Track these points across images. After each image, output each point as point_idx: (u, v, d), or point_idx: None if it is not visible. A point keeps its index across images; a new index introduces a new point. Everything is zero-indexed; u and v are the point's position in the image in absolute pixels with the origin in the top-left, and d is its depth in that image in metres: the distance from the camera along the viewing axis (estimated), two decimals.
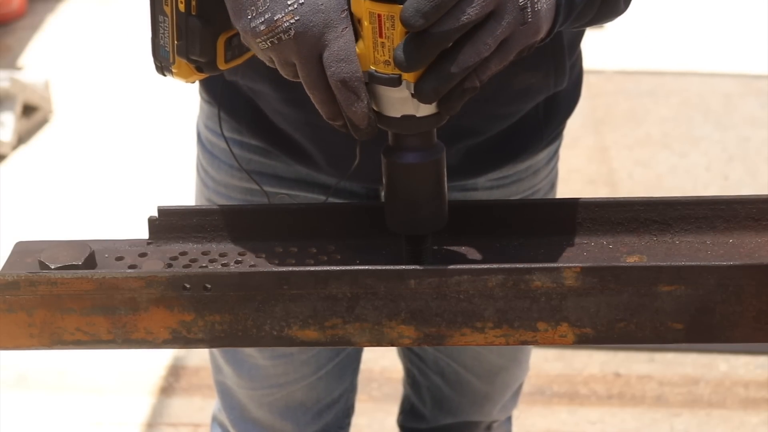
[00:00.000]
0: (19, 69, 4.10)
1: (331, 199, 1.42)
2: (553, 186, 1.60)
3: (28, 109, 3.73)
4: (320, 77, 1.00)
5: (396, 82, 0.99)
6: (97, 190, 3.44)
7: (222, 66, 1.10)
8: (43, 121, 3.82)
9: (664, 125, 3.77)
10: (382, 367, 2.70)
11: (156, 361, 2.76)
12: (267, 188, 1.45)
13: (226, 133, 1.43)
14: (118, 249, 1.15)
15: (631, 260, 1.12)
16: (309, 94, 1.02)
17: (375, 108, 1.02)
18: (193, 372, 2.72)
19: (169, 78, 1.12)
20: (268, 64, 1.04)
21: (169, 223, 1.16)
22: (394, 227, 1.09)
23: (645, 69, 4.11)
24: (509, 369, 1.79)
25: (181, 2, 1.06)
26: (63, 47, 4.34)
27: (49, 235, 1.33)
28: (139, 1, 4.53)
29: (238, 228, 1.16)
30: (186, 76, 1.10)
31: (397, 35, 0.97)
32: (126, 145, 3.69)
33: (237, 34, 1.08)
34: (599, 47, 4.08)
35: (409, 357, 1.84)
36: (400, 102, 1.01)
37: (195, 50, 1.08)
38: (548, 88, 1.37)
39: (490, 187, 1.48)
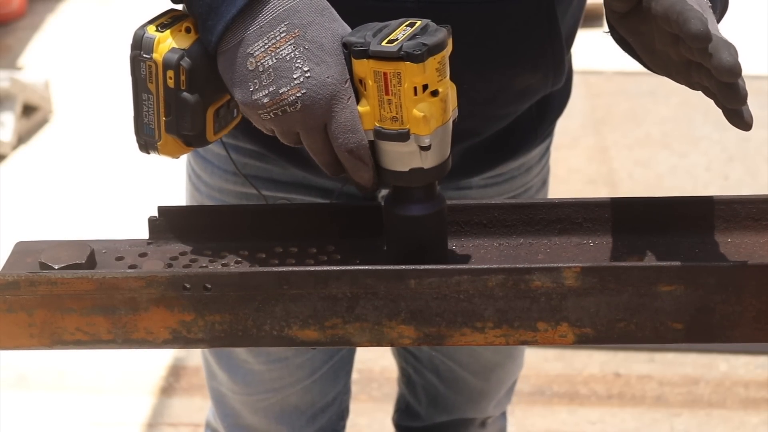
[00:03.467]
0: (19, 69, 4.10)
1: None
2: (545, 183, 1.61)
3: (28, 109, 3.73)
4: (326, 144, 1.04)
5: (405, 137, 1.01)
6: (97, 190, 3.43)
7: (211, 138, 1.10)
8: (43, 121, 3.82)
9: (664, 125, 3.76)
10: (382, 367, 2.69)
11: (156, 361, 2.76)
12: (263, 192, 1.44)
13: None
14: (118, 249, 1.15)
15: (631, 260, 1.12)
16: (313, 158, 1.05)
17: (381, 165, 1.05)
18: (193, 372, 2.72)
19: (153, 156, 1.11)
20: (265, 132, 1.05)
21: (169, 223, 1.16)
22: None
23: (645, 69, 4.10)
24: (504, 365, 1.79)
25: (170, 78, 1.06)
26: (63, 47, 4.34)
27: (49, 235, 1.33)
28: (139, 1, 4.54)
29: (238, 228, 1.16)
30: (172, 153, 1.10)
31: (404, 91, 0.99)
32: (126, 145, 3.65)
33: (223, 105, 1.09)
34: (599, 47, 4.07)
35: (404, 356, 1.84)
36: (408, 156, 1.04)
37: (186, 125, 1.08)
38: (546, 88, 1.38)
39: (484, 185, 1.49)
